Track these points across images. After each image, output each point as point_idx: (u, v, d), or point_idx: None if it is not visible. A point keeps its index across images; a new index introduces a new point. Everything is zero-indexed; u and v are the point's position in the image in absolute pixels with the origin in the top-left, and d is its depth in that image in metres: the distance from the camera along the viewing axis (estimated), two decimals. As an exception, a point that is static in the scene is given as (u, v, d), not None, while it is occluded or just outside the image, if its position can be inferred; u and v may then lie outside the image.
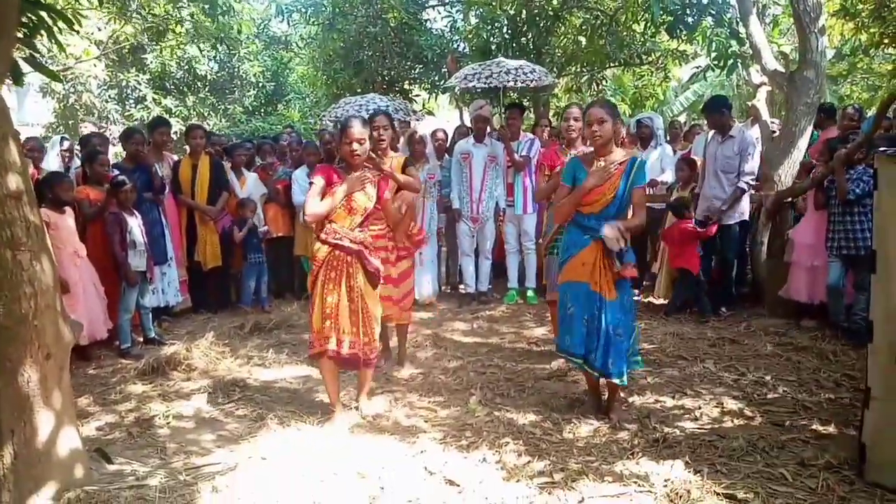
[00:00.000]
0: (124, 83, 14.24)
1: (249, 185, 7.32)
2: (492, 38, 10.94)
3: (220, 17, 12.54)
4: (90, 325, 5.21)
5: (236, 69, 16.34)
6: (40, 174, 5.88)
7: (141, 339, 5.89)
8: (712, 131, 6.50)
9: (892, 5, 8.84)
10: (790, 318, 5.89)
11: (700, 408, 4.11)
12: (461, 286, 7.57)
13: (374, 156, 4.34)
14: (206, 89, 15.62)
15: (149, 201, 6.20)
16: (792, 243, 5.95)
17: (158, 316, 6.36)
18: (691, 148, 7.66)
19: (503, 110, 7.82)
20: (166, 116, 11.79)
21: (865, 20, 9.30)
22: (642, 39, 11.29)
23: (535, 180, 6.86)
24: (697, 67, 12.06)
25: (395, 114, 8.23)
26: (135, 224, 5.69)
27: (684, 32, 8.83)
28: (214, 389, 4.69)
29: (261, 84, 17.06)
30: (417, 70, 12.54)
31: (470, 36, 11.43)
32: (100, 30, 12.60)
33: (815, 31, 6.21)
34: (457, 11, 12.42)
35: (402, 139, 7.02)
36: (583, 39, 11.08)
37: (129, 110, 14.50)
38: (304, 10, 12.22)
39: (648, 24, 9.94)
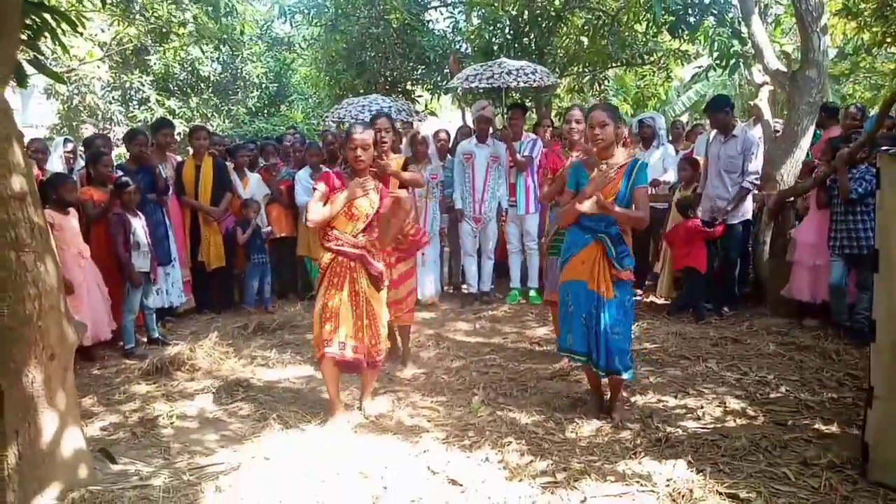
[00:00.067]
0: (128, 85, 14.27)
1: (252, 186, 7.33)
2: (494, 39, 10.94)
3: (223, 19, 12.57)
4: (94, 326, 5.23)
5: (239, 70, 16.38)
6: (44, 175, 5.90)
7: (145, 340, 5.91)
8: (714, 131, 6.50)
9: (894, 4, 8.83)
10: (793, 318, 5.89)
11: (702, 407, 4.11)
12: (464, 286, 7.58)
13: (381, 162, 4.33)
14: (210, 90, 15.66)
15: (152, 202, 6.21)
16: (794, 242, 5.95)
17: (162, 316, 6.38)
18: (693, 148, 7.66)
19: (505, 111, 7.82)
20: (170, 118, 11.81)
21: (868, 19, 9.28)
22: (644, 39, 11.28)
23: (538, 180, 6.87)
24: (699, 67, 12.02)
25: (398, 114, 8.26)
26: (138, 225, 5.70)
27: (686, 32, 8.83)
28: (218, 389, 4.70)
29: (264, 85, 17.09)
30: (420, 71, 12.55)
31: (472, 37, 11.43)
32: (103, 31, 12.61)
33: (818, 30, 6.20)
34: (459, 12, 12.43)
35: (404, 140, 7.02)
36: (585, 40, 11.07)
37: (132, 112, 14.54)
38: (306, 11, 12.23)
39: (650, 24, 9.92)
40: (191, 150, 7.13)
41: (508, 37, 10.99)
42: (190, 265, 6.90)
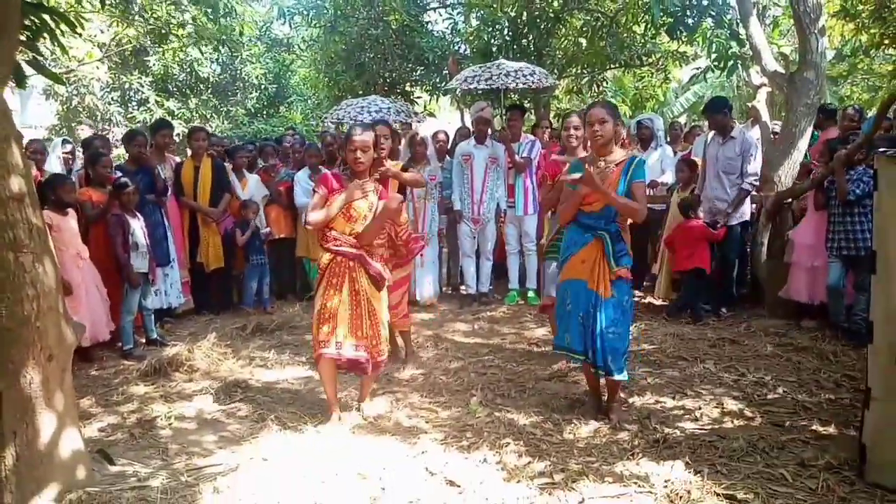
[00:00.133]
0: (127, 85, 14.27)
1: (251, 187, 7.33)
2: (493, 40, 10.95)
3: (222, 20, 12.56)
4: (92, 327, 5.23)
5: (238, 71, 16.38)
6: (43, 176, 5.90)
7: (143, 341, 5.90)
8: (712, 132, 6.51)
9: (892, 6, 8.84)
10: (790, 319, 5.89)
11: (700, 408, 4.12)
12: (462, 287, 7.58)
13: (382, 168, 4.33)
14: (209, 91, 15.66)
15: (151, 203, 6.21)
16: (792, 244, 5.96)
17: (161, 317, 6.37)
18: (691, 149, 7.67)
19: (504, 112, 7.83)
20: (169, 119, 11.81)
21: (866, 21, 9.30)
22: (643, 41, 11.30)
23: (537, 182, 6.88)
24: (697, 69, 12.05)
25: (397, 115, 8.26)
26: (137, 226, 5.70)
27: (684, 34, 8.83)
28: (216, 390, 4.70)
29: (263, 86, 17.09)
30: (419, 72, 12.55)
31: (471, 38, 11.45)
32: (102, 32, 12.61)
33: (816, 31, 6.21)
34: (458, 13, 12.44)
35: (403, 141, 7.03)
36: (583, 41, 11.09)
37: (131, 112, 14.55)
38: (305, 12, 12.23)
39: (649, 26, 9.95)
40: (189, 152, 7.13)
41: (507, 38, 11.00)
42: (189, 266, 6.90)
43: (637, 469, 3.33)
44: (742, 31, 7.48)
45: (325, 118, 10.14)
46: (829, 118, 7.11)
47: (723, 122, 6.29)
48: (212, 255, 6.86)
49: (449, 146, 7.59)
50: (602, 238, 3.84)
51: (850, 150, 5.24)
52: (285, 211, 7.47)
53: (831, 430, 3.75)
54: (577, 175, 3.74)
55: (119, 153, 10.42)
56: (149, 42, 12.73)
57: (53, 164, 6.88)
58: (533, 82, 7.71)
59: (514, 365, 5.11)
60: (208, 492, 3.18)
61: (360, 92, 11.42)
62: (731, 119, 6.46)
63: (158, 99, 14.30)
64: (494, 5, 10.47)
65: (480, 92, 9.70)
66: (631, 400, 4.29)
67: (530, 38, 10.98)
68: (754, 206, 6.66)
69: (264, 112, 17.58)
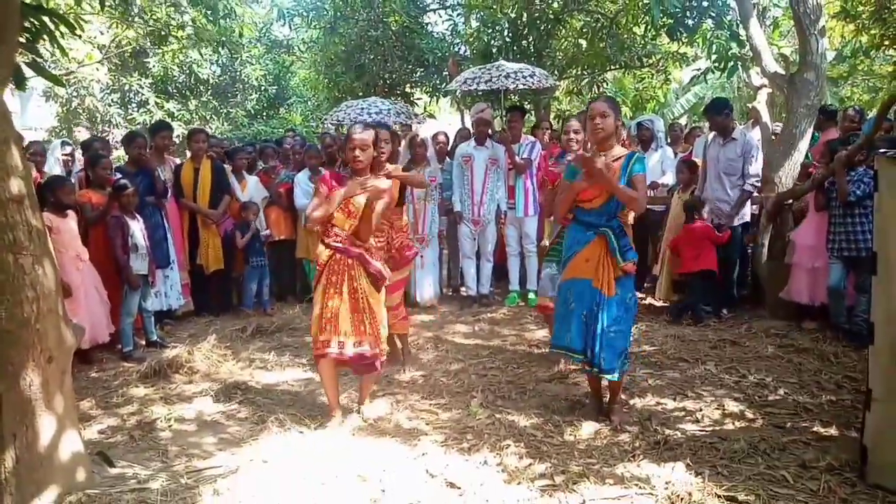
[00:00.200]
0: (127, 87, 14.29)
1: (250, 189, 7.33)
2: (493, 42, 10.95)
3: (222, 21, 12.59)
4: (92, 329, 5.22)
5: (238, 73, 16.39)
6: (43, 178, 5.89)
7: (143, 343, 5.90)
8: (713, 133, 6.51)
9: (892, 7, 8.84)
10: (791, 320, 5.88)
11: (701, 410, 4.11)
12: (462, 289, 7.58)
13: (384, 172, 4.33)
14: (209, 93, 15.68)
15: (151, 205, 6.21)
16: (793, 245, 5.95)
17: (161, 319, 6.37)
18: (692, 150, 7.67)
19: (504, 113, 7.83)
20: (169, 120, 11.81)
21: (866, 22, 9.29)
22: (643, 42, 11.30)
23: (537, 183, 6.88)
24: (698, 70, 12.03)
25: (397, 117, 8.25)
26: (137, 228, 5.70)
27: (684, 35, 8.84)
28: (216, 392, 4.70)
29: (263, 88, 17.11)
30: (419, 73, 12.56)
31: (471, 39, 11.45)
32: (102, 34, 12.61)
33: (816, 32, 6.21)
34: (458, 15, 12.44)
35: (403, 142, 7.02)
36: (583, 42, 11.09)
37: (131, 114, 14.56)
38: (305, 13, 12.24)
39: (649, 27, 9.95)
40: (188, 153, 7.13)
41: (507, 39, 11.00)
42: (188, 268, 6.89)
43: (638, 471, 3.33)
44: (742, 32, 7.48)
45: (325, 120, 10.14)
46: (829, 119, 7.11)
47: (724, 123, 6.29)
48: (211, 257, 6.85)
49: (449, 147, 7.59)
50: (605, 235, 3.82)
51: (850, 151, 5.24)
52: (285, 212, 7.46)
53: (832, 431, 3.74)
54: (588, 165, 3.75)
55: (119, 155, 10.41)
56: (148, 44, 12.75)
57: (52, 166, 6.88)
58: (533, 83, 7.71)
59: (514, 367, 5.10)
60: (208, 494, 3.17)
61: (360, 93, 11.42)
62: (731, 120, 6.46)
63: (158, 100, 14.31)
64: (494, 6, 10.48)
65: (480, 93, 9.69)
66: (632, 401, 4.28)
67: (530, 39, 10.98)
68: (755, 206, 6.65)
69: (264, 114, 17.60)
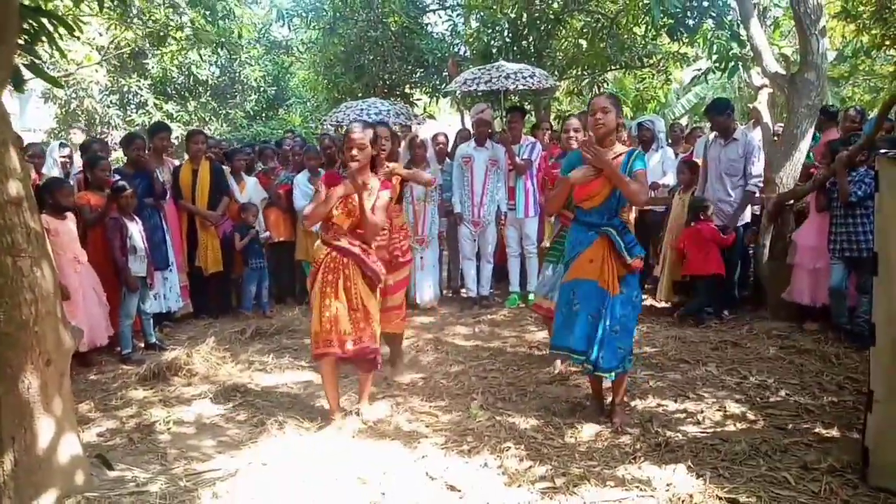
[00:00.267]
0: (126, 88, 14.29)
1: (249, 190, 7.32)
2: (493, 42, 10.94)
3: (221, 22, 12.58)
4: (91, 331, 5.20)
5: (237, 74, 16.40)
6: (41, 180, 5.88)
7: (142, 345, 5.88)
8: (713, 134, 6.50)
9: (893, 7, 8.83)
10: (793, 321, 5.87)
11: (702, 411, 4.09)
12: (462, 290, 7.57)
13: (385, 170, 4.32)
14: (208, 94, 15.68)
15: (150, 207, 6.19)
16: (794, 245, 5.94)
17: (160, 321, 6.36)
18: (693, 151, 7.65)
19: (504, 114, 7.82)
20: (167, 121, 11.81)
21: (867, 22, 9.29)
22: (643, 42, 11.30)
23: (537, 184, 6.87)
24: (698, 70, 12.04)
25: (397, 118, 8.24)
26: (135, 229, 5.69)
27: (685, 35, 8.83)
28: (215, 395, 4.68)
29: (262, 89, 17.11)
30: (418, 74, 12.56)
31: (471, 40, 11.44)
32: (101, 35, 12.62)
33: (816, 32, 6.19)
34: (457, 15, 12.44)
35: (402, 143, 7.01)
36: (584, 42, 11.08)
37: (130, 115, 14.56)
38: (304, 14, 12.24)
39: (649, 27, 9.94)
40: (186, 155, 7.12)
41: (507, 40, 11.00)
42: (187, 270, 6.87)
43: (639, 473, 3.31)
44: (743, 32, 7.47)
45: (325, 121, 10.12)
46: (830, 119, 7.10)
47: (725, 123, 6.28)
48: (210, 259, 6.84)
49: (449, 148, 7.58)
50: (607, 234, 3.80)
51: (851, 151, 5.23)
52: (284, 214, 7.45)
53: (834, 432, 3.72)
54: (578, 174, 3.73)
55: (117, 156, 10.41)
56: (147, 45, 12.74)
57: (51, 168, 6.87)
58: (533, 84, 7.70)
59: (514, 368, 5.09)
60: (207, 497, 3.16)
61: (360, 94, 11.42)
62: (733, 120, 6.44)
63: (157, 102, 14.32)
64: (494, 7, 10.47)
65: (480, 94, 9.68)
66: (633, 403, 4.27)
67: (530, 39, 10.97)
68: (756, 207, 6.64)
69: (263, 115, 17.61)
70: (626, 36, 11.03)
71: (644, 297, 6.95)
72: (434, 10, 12.86)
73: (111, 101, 14.55)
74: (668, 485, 3.16)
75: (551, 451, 3.60)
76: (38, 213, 3.18)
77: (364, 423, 4.09)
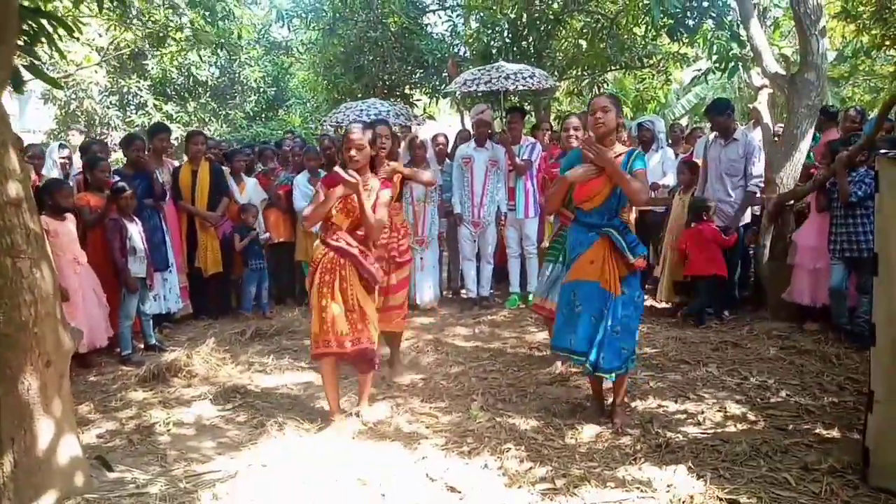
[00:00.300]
0: (125, 89, 14.28)
1: (248, 191, 7.31)
2: (492, 42, 10.94)
3: (221, 23, 12.57)
4: (90, 333, 5.20)
5: (237, 74, 16.38)
6: (41, 181, 5.88)
7: (141, 346, 5.88)
8: (713, 134, 6.50)
9: (893, 7, 8.83)
10: (793, 322, 5.87)
11: (703, 412, 4.09)
12: (462, 291, 7.56)
13: (386, 168, 4.31)
14: (207, 95, 15.67)
15: (149, 208, 6.19)
16: (795, 246, 5.94)
17: (159, 322, 6.35)
18: (693, 151, 7.65)
19: (504, 114, 7.82)
20: (167, 122, 11.81)
21: (867, 22, 9.29)
22: (643, 42, 11.29)
23: (538, 184, 6.86)
24: (698, 70, 12.03)
25: (397, 118, 8.24)
26: (135, 230, 5.68)
27: (685, 35, 8.82)
28: (215, 396, 4.68)
29: (261, 89, 17.10)
30: (418, 75, 12.55)
31: (471, 40, 11.44)
32: (100, 36, 12.62)
33: (816, 33, 6.19)
34: (457, 16, 12.44)
35: (402, 144, 7.01)
36: (583, 43, 11.08)
37: (129, 116, 14.55)
38: (304, 15, 12.23)
39: (649, 28, 9.93)
40: (185, 156, 7.11)
41: (507, 40, 10.99)
42: (187, 271, 6.86)
43: (639, 474, 3.31)
44: (743, 32, 7.46)
45: (324, 121, 10.13)
46: (830, 120, 7.10)
47: (725, 123, 6.28)
48: (210, 260, 6.83)
49: (449, 149, 7.58)
50: (608, 235, 3.80)
51: (851, 151, 5.22)
52: (284, 215, 7.45)
53: (834, 433, 3.72)
54: (578, 172, 3.73)
55: (117, 157, 10.40)
56: (147, 46, 12.74)
57: (50, 169, 6.87)
58: (533, 84, 7.70)
59: (515, 369, 5.09)
60: (207, 498, 3.16)
61: (360, 95, 11.42)
62: (733, 121, 6.44)
63: (157, 103, 14.31)
64: (494, 7, 10.47)
65: (480, 94, 9.69)
66: (633, 404, 4.26)
67: (530, 40, 10.97)
68: (756, 207, 6.64)
69: (263, 115, 17.60)
70: (626, 36, 11.02)
71: (644, 297, 6.99)
72: (434, 11, 12.86)
73: (111, 102, 14.54)
74: (668, 486, 3.15)
75: (552, 452, 3.60)
76: (38, 215, 3.17)
77: (364, 424, 4.09)
